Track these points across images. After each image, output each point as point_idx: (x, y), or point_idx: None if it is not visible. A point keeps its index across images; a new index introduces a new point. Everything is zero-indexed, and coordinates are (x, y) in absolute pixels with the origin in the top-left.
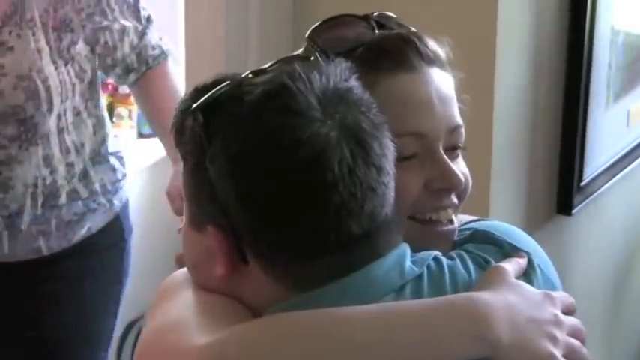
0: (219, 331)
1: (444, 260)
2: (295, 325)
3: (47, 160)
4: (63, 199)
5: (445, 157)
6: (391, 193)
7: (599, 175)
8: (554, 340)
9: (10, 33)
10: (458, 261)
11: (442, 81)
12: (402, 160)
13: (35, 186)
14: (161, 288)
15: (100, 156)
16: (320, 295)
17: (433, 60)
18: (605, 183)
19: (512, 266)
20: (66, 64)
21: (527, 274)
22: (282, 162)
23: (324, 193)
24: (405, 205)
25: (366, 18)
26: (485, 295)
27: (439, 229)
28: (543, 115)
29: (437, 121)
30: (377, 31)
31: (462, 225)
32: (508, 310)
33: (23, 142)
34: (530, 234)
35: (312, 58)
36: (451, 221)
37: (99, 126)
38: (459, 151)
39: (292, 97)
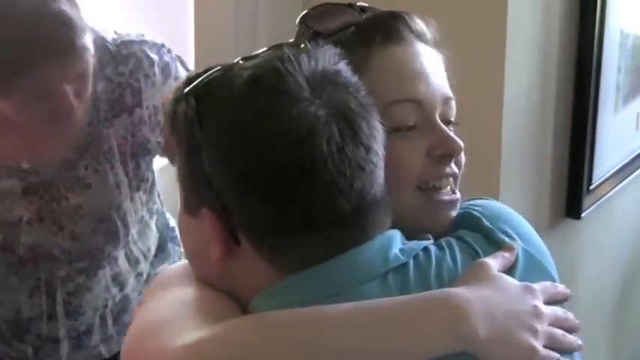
0: (200, 331)
1: (433, 252)
2: (274, 328)
3: (116, 278)
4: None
5: (442, 125)
6: (380, 173)
7: (608, 179)
8: (533, 331)
9: (87, 167)
10: (447, 252)
11: (431, 56)
12: (403, 130)
13: (105, 306)
14: (157, 279)
15: (158, 250)
16: (304, 280)
17: (422, 36)
18: (615, 186)
19: (497, 261)
20: (138, 190)
21: (512, 265)
22: (271, 141)
23: (313, 170)
24: (412, 175)
25: (350, 6)
26: (462, 291)
27: (444, 197)
28: (552, 118)
29: (432, 90)
30: (363, 14)
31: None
32: (485, 305)
33: (91, 270)
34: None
35: (302, 46)
36: (454, 191)
37: (160, 220)
38: (451, 126)
39: (281, 78)
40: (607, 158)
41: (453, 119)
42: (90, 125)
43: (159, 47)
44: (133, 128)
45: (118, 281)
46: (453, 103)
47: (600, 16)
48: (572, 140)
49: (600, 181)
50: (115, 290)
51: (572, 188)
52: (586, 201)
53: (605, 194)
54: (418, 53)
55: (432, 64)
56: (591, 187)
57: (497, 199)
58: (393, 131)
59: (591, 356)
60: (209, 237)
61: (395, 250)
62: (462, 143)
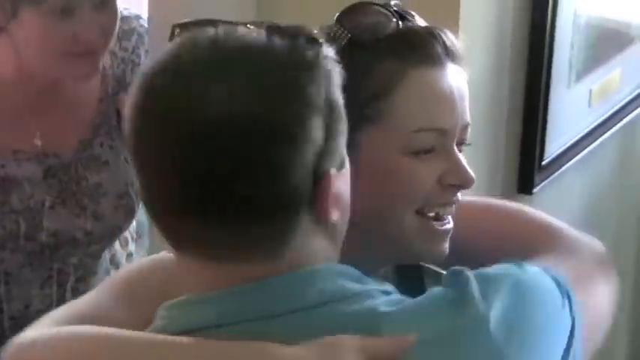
0: (43, 330)
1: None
2: (84, 347)
3: (113, 260)
4: None
5: (458, 154)
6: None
7: (560, 155)
8: None
9: (102, 145)
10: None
11: (461, 78)
12: (421, 153)
13: None
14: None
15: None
16: (211, 301)
17: (455, 56)
18: (566, 163)
19: (366, 345)
20: None
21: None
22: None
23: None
24: (417, 197)
25: (385, 7)
26: (283, 349)
27: (439, 228)
28: (506, 94)
29: (456, 118)
30: (400, 23)
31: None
32: None
33: (98, 254)
34: None
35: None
36: (449, 220)
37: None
38: (463, 147)
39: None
40: (559, 135)
41: (466, 141)
42: (101, 102)
43: (146, 20)
44: None
45: (115, 263)
46: (469, 128)
47: None
48: (524, 116)
49: (552, 157)
50: (113, 272)
51: (523, 164)
52: (537, 177)
53: (557, 171)
54: (450, 77)
55: (460, 88)
56: (543, 164)
57: None
58: (412, 154)
59: None
60: None
61: (320, 286)
62: (474, 175)
